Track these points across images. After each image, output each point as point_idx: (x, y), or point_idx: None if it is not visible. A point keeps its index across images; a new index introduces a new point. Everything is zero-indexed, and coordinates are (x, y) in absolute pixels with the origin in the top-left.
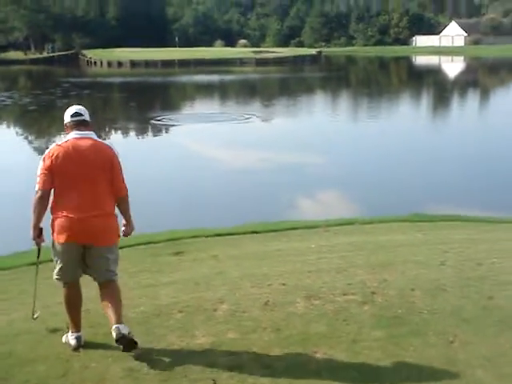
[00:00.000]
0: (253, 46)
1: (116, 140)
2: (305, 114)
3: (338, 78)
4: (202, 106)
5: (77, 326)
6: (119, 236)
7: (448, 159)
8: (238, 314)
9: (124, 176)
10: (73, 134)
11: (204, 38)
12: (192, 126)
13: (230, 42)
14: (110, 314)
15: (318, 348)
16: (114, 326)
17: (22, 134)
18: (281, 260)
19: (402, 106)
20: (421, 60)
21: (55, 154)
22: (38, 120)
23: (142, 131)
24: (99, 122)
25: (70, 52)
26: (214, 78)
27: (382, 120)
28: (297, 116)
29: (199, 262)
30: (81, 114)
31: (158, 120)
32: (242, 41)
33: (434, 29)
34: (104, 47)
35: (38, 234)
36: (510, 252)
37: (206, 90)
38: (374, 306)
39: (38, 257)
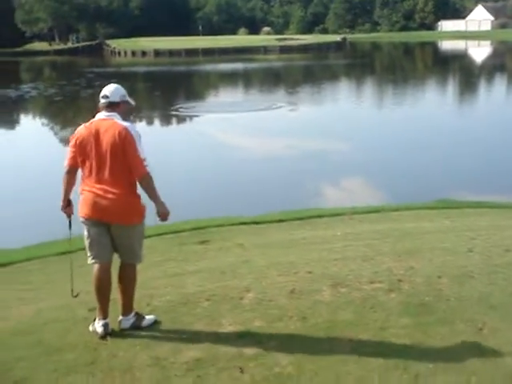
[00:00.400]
0: (276, 34)
1: (141, 129)
2: (330, 101)
3: (363, 64)
4: (227, 95)
5: (104, 313)
6: (141, 218)
7: (474, 145)
8: (264, 302)
9: (143, 158)
10: (99, 115)
11: (228, 26)
12: (216, 116)
13: (254, 29)
14: (119, 301)
15: (344, 336)
16: (119, 318)
17: (47, 125)
18: (306, 248)
19: (428, 91)
20: (447, 45)
21: (79, 135)
22: (63, 110)
23: (167, 120)
24: None
25: (94, 42)
26: (238, 66)
27: (408, 106)
28: (322, 103)
29: (225, 250)
30: (107, 97)
31: (183, 109)
32: (266, 28)
33: (459, 13)
34: (128, 37)
35: (65, 205)
36: None
37: (230, 78)
38: (400, 294)
39: (70, 227)
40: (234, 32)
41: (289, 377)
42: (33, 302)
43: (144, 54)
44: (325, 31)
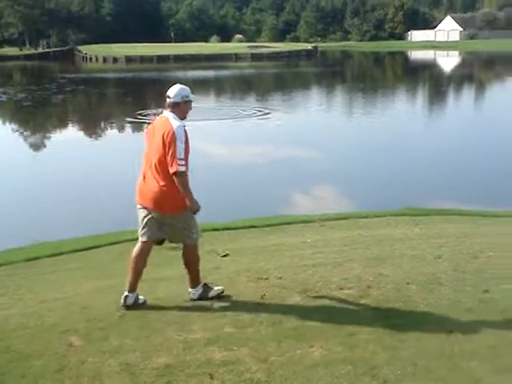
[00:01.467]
0: (248, 41)
1: (110, 135)
2: (301, 109)
3: (334, 73)
4: (197, 103)
5: (130, 287)
6: (178, 208)
7: (442, 153)
8: (234, 308)
9: (179, 158)
10: (162, 113)
11: (200, 33)
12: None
13: (226, 37)
14: (186, 276)
15: (314, 342)
16: (189, 290)
17: (16, 130)
18: (277, 254)
19: (398, 101)
20: (416, 55)
21: (146, 129)
22: (32, 115)
23: (137, 127)
24: (94, 117)
25: (65, 48)
26: (209, 73)
27: (378, 115)
28: (293, 111)
29: None
30: (169, 97)
31: (152, 116)
32: (238, 36)
33: (429, 23)
34: (99, 43)
35: None
36: (505, 246)
37: (202, 85)
38: (370, 300)
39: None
40: (205, 39)
41: (259, 383)
42: (2, 307)
43: (115, 60)
44: (296, 39)
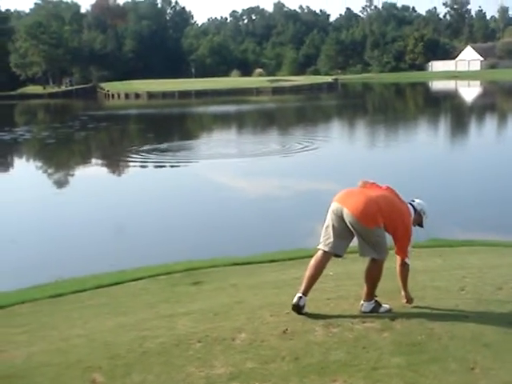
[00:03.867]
0: (269, 75)
1: (132, 172)
2: (322, 141)
3: (355, 105)
4: (216, 137)
5: (304, 289)
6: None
7: (465, 184)
8: (256, 343)
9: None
10: None
11: (220, 68)
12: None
13: (246, 71)
14: (363, 288)
15: (337, 376)
16: (361, 302)
17: (40, 168)
18: (299, 288)
19: (420, 132)
20: (437, 85)
21: None
22: (55, 152)
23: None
24: (118, 153)
25: (87, 85)
26: (231, 108)
27: (400, 147)
28: (315, 144)
29: (218, 291)
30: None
31: (174, 152)
32: (258, 70)
33: (449, 54)
34: (121, 79)
35: None
36: None
37: (222, 120)
38: (393, 333)
39: None
40: (226, 74)
41: None
42: (25, 345)
43: (137, 96)
44: (316, 72)
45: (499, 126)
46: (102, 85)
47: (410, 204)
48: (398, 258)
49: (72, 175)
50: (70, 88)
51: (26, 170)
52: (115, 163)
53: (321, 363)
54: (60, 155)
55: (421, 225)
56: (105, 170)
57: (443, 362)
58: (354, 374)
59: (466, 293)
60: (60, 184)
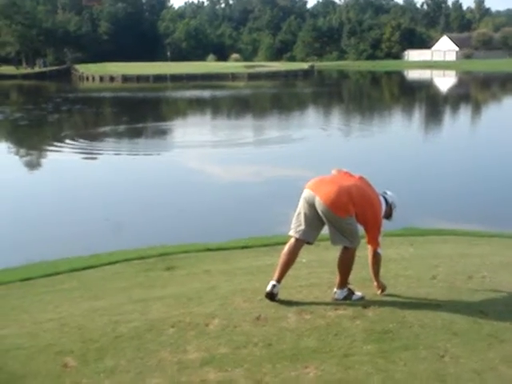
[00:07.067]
0: (245, 60)
1: (101, 158)
2: (296, 127)
3: (330, 92)
4: (194, 124)
5: (277, 276)
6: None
7: (439, 173)
8: (229, 328)
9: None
10: None
11: (196, 52)
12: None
13: (223, 56)
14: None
15: (309, 363)
16: (334, 289)
17: (11, 149)
18: (272, 275)
19: (395, 121)
20: (413, 74)
21: None
22: (28, 134)
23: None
24: (92, 136)
25: (61, 67)
26: (206, 93)
27: (375, 135)
28: (288, 130)
29: (191, 276)
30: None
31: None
32: (235, 55)
33: (425, 43)
34: (96, 62)
35: None
36: (501, 266)
37: (198, 104)
38: (365, 321)
39: None
40: (202, 58)
41: None
42: None
43: (112, 79)
44: (293, 59)
45: (473, 117)
46: (77, 67)
47: (383, 196)
48: (370, 248)
49: (45, 157)
50: (43, 69)
51: None
52: (89, 146)
53: (293, 349)
54: (33, 137)
55: (389, 218)
56: (79, 152)
57: (414, 349)
58: (326, 361)
59: (437, 281)
60: (32, 166)
